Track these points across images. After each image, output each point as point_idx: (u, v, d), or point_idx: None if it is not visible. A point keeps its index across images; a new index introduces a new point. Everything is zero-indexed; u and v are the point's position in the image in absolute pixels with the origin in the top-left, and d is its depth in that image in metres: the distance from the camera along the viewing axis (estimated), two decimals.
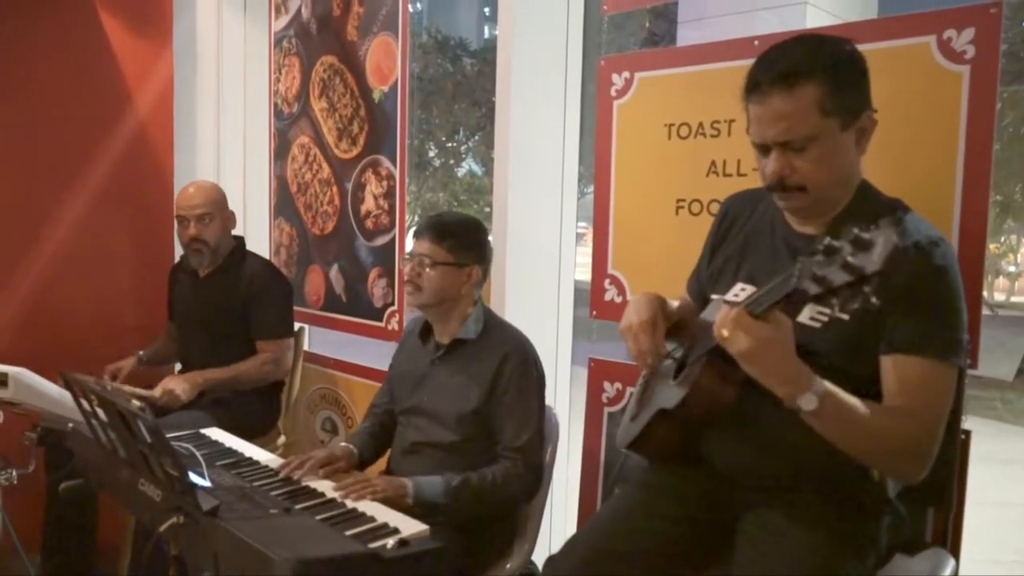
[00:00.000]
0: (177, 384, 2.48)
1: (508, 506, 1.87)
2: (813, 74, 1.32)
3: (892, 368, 1.33)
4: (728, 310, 1.25)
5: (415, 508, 1.66)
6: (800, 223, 1.47)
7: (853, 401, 1.27)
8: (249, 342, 2.66)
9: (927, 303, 1.30)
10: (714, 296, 1.56)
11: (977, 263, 1.57)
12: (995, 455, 5.98)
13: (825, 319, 1.33)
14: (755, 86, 1.37)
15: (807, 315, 1.35)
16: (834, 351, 1.34)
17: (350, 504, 1.60)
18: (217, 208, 2.67)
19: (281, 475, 1.76)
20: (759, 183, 1.47)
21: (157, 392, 2.46)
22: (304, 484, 1.72)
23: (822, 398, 1.23)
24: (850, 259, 1.07)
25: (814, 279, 1.11)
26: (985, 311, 1.66)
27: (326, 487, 1.70)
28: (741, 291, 1.50)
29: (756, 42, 1.84)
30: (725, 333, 1.24)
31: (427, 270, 1.89)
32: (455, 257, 1.90)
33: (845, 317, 1.30)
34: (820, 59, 1.33)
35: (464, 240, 1.92)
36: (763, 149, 1.39)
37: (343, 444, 1.97)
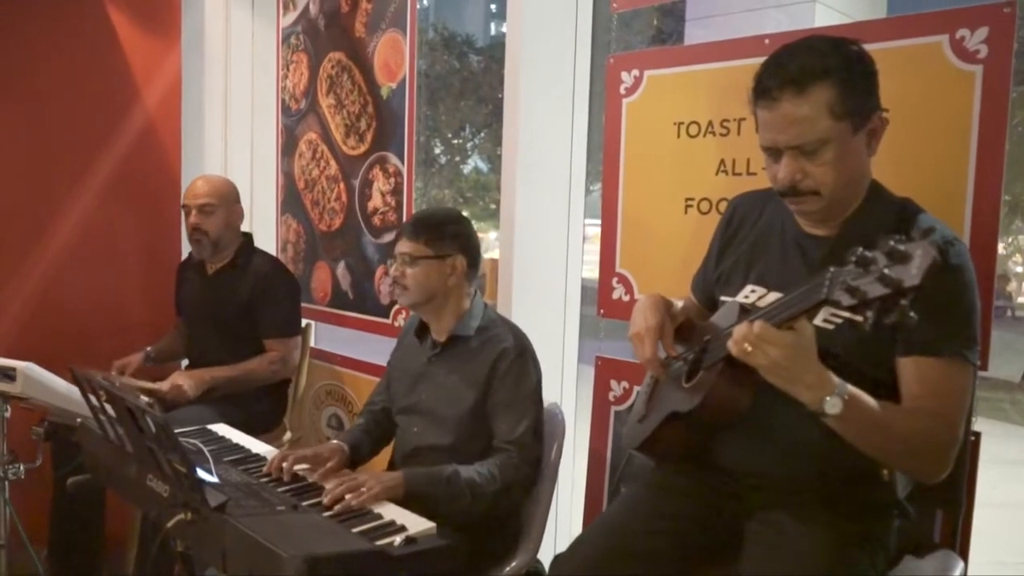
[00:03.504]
0: (185, 380, 2.48)
1: (504, 498, 1.83)
2: (824, 77, 1.30)
3: (912, 369, 1.32)
4: (747, 325, 1.22)
5: (410, 501, 1.64)
6: (811, 225, 1.46)
7: (876, 403, 1.26)
8: (257, 339, 2.67)
9: (944, 303, 1.29)
10: (724, 298, 1.55)
11: (988, 263, 1.56)
12: (1003, 456, 5.96)
13: (839, 321, 1.32)
14: (764, 90, 1.35)
15: (820, 317, 1.34)
16: (848, 353, 1.33)
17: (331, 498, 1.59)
18: (221, 201, 2.67)
19: (264, 471, 1.74)
20: (768, 182, 1.47)
21: (165, 386, 2.47)
22: (311, 481, 1.72)
23: (846, 401, 1.21)
24: (887, 271, 1.04)
25: (848, 290, 1.08)
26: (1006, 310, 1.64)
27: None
28: (751, 292, 1.49)
29: (767, 40, 1.83)
30: (748, 348, 1.22)
31: (408, 268, 1.89)
32: (433, 250, 1.89)
33: (859, 318, 1.30)
34: (830, 62, 1.31)
35: (440, 232, 1.91)
36: (774, 153, 1.38)
37: (334, 442, 1.94)
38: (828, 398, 1.21)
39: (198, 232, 2.65)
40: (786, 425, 1.37)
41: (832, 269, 1.12)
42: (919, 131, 1.64)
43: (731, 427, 1.43)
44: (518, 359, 1.87)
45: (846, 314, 1.11)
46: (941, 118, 1.62)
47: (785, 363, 1.20)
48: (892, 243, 1.05)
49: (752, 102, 1.39)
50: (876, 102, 1.36)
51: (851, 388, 1.23)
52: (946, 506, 1.55)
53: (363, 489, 1.61)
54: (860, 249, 1.07)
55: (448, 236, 1.91)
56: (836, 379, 1.23)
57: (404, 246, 1.91)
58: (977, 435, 1.56)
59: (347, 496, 1.58)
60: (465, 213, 2.15)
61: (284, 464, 1.75)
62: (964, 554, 1.55)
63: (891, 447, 1.30)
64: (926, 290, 1.18)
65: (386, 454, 2.08)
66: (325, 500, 1.58)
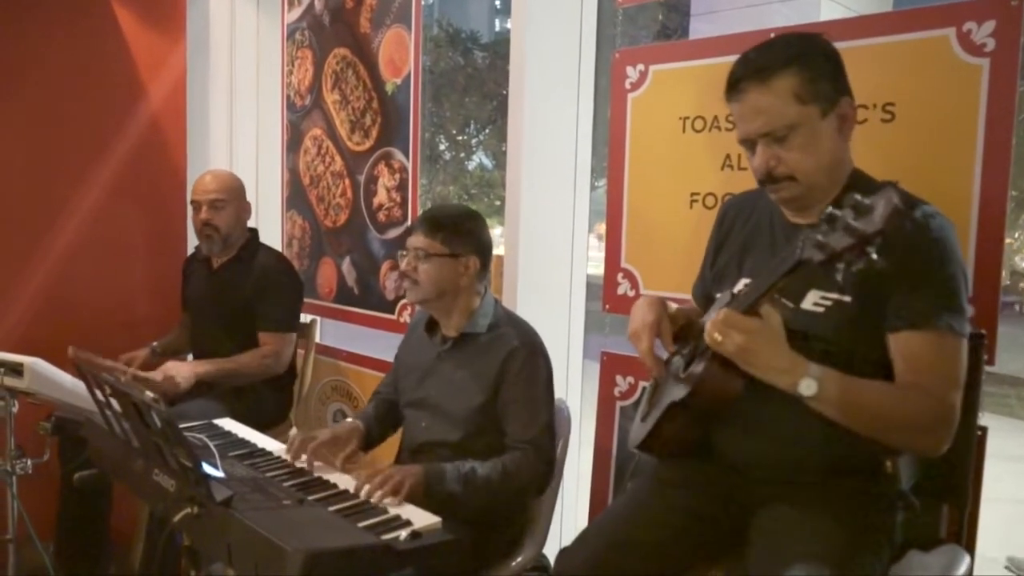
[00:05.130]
0: (177, 372, 2.48)
1: (520, 496, 1.85)
2: (785, 66, 1.36)
3: (900, 345, 1.34)
4: (715, 313, 1.30)
5: (429, 498, 1.65)
6: (795, 214, 1.48)
7: (857, 382, 1.29)
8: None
9: (928, 276, 1.32)
10: (719, 295, 1.56)
11: (995, 257, 1.55)
12: (1010, 451, 5.94)
13: (829, 303, 1.35)
14: (732, 85, 1.41)
15: (811, 301, 1.37)
16: (838, 334, 1.36)
17: (362, 495, 1.60)
18: (231, 196, 2.67)
19: (284, 458, 1.76)
20: None
21: (158, 376, 2.46)
22: (317, 475, 1.73)
23: (820, 381, 1.26)
24: (852, 222, 1.11)
25: (817, 246, 1.15)
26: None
27: (339, 478, 1.71)
28: (744, 286, 1.50)
29: (773, 35, 1.82)
30: (718, 337, 1.29)
31: (422, 263, 1.88)
32: (449, 248, 1.88)
33: (847, 299, 1.33)
34: (790, 52, 1.38)
35: (457, 230, 1.90)
36: (750, 145, 1.43)
37: (350, 420, 1.96)
38: (802, 380, 1.26)
39: (209, 227, 2.64)
40: (786, 416, 1.38)
41: (805, 231, 1.18)
42: (925, 125, 1.63)
43: (732, 421, 1.44)
44: (530, 357, 1.87)
45: (834, 295, 1.13)
46: (948, 112, 1.61)
47: (752, 347, 1.27)
48: (857, 198, 1.11)
49: (726, 99, 1.44)
50: (843, 87, 1.40)
51: (825, 369, 1.28)
52: (953, 501, 1.54)
53: (395, 482, 1.62)
54: (829, 208, 1.15)
55: (464, 235, 1.90)
56: (808, 362, 1.28)
57: (419, 241, 1.89)
58: (984, 430, 1.55)
59: (379, 491, 1.59)
60: None
61: (304, 453, 1.77)
62: (971, 549, 1.55)
63: (878, 423, 1.31)
64: (911, 265, 1.26)
65: (393, 447, 2.09)
66: (359, 492, 1.60)
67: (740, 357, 1.29)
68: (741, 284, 1.52)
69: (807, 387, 1.26)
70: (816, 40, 1.42)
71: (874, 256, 1.10)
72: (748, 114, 1.40)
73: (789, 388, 1.28)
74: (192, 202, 2.68)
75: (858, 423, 1.31)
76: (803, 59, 1.37)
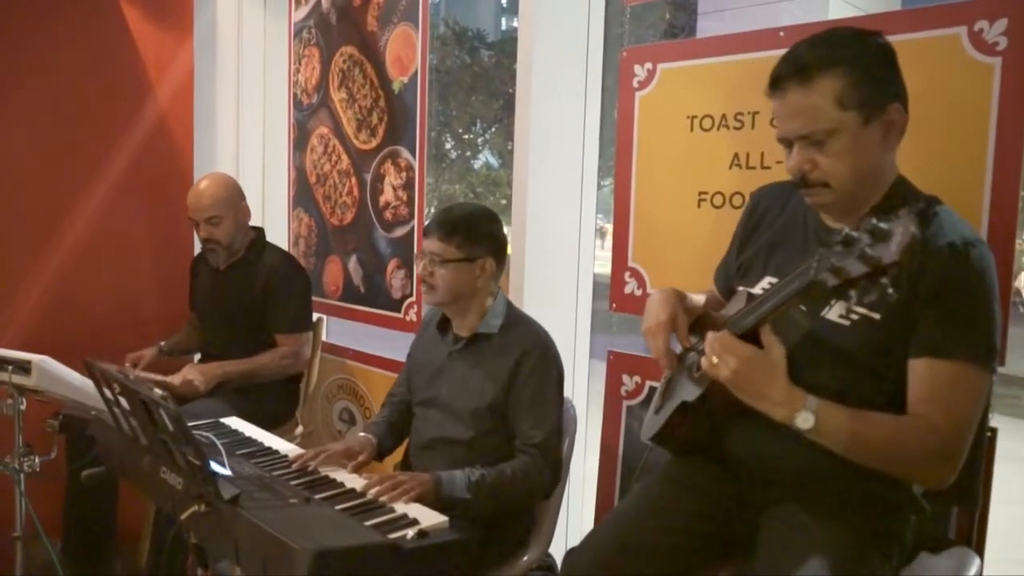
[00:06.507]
0: (196, 375, 2.49)
1: (527, 501, 1.87)
2: (830, 68, 1.30)
3: (920, 372, 1.29)
4: (713, 335, 1.27)
5: (437, 503, 1.65)
6: (832, 219, 1.44)
7: (859, 415, 1.26)
8: (268, 334, 2.67)
9: (960, 305, 1.27)
10: (740, 288, 1.54)
11: (1006, 259, 1.54)
12: (1018, 452, 5.91)
13: (856, 317, 1.32)
14: (774, 81, 1.36)
15: (836, 313, 1.34)
16: (864, 350, 1.32)
17: (370, 495, 1.60)
18: (226, 207, 2.65)
19: (295, 467, 1.76)
20: (782, 176, 1.45)
21: (177, 380, 2.48)
22: (324, 474, 1.73)
23: (818, 415, 1.24)
24: (868, 250, 1.06)
25: (832, 270, 1.10)
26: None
27: (346, 477, 1.71)
28: (769, 285, 1.49)
29: (782, 33, 1.81)
30: (714, 360, 1.27)
31: (438, 268, 1.87)
32: (465, 252, 1.87)
33: (876, 316, 1.29)
34: (839, 53, 1.31)
35: (473, 233, 1.89)
36: (787, 144, 1.38)
37: (362, 435, 1.97)
38: (799, 413, 1.24)
39: (211, 242, 2.66)
40: None
41: (820, 251, 1.13)
42: (936, 124, 1.62)
43: (744, 421, 1.43)
44: (541, 359, 1.87)
45: (863, 310, 1.11)
46: (959, 111, 1.60)
47: (747, 375, 1.25)
48: (875, 221, 1.07)
49: (768, 94, 1.39)
50: (893, 93, 1.34)
51: (823, 402, 1.25)
52: (962, 503, 1.53)
53: (406, 487, 1.62)
54: (845, 229, 1.10)
55: (480, 238, 1.89)
56: (806, 394, 1.25)
57: (434, 246, 1.88)
58: (993, 431, 1.54)
59: (389, 494, 1.60)
60: None
61: (313, 462, 1.76)
62: (980, 551, 1.54)
63: (879, 457, 1.28)
64: (944, 292, 1.21)
65: (401, 448, 2.09)
66: (369, 494, 1.60)
67: (733, 384, 1.27)
68: (765, 282, 1.49)
69: (804, 420, 1.24)
70: (870, 39, 1.33)
71: (890, 291, 1.05)
72: (787, 113, 1.34)
73: (785, 421, 1.25)
74: (190, 218, 2.68)
75: (859, 456, 1.28)
76: (851, 61, 1.29)
